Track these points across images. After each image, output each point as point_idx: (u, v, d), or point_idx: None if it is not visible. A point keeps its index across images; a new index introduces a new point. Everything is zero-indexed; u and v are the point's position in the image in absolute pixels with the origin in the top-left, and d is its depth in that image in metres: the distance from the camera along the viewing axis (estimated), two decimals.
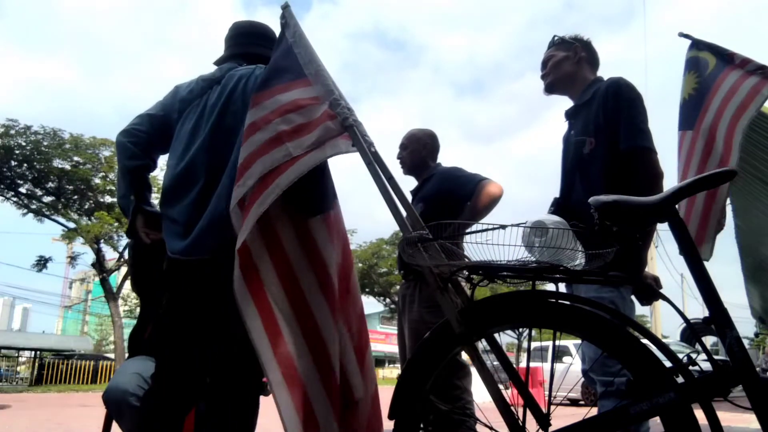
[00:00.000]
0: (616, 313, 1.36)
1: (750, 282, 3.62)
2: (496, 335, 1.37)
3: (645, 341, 1.21)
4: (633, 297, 1.86)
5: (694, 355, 1.24)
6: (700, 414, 1.12)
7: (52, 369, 20.17)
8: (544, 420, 1.23)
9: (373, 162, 1.55)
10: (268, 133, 1.56)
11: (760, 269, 3.49)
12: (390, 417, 1.31)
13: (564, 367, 7.84)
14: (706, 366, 1.19)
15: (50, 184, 16.22)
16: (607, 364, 1.73)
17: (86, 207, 16.93)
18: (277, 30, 1.89)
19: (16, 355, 26.57)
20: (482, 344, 1.37)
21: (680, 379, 1.16)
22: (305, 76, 1.69)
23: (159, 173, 9.91)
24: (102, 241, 16.82)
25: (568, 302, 1.30)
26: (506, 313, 1.32)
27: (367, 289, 23.87)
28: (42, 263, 17.26)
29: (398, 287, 8.59)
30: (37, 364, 22.22)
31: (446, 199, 2.59)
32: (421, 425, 1.32)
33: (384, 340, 36.50)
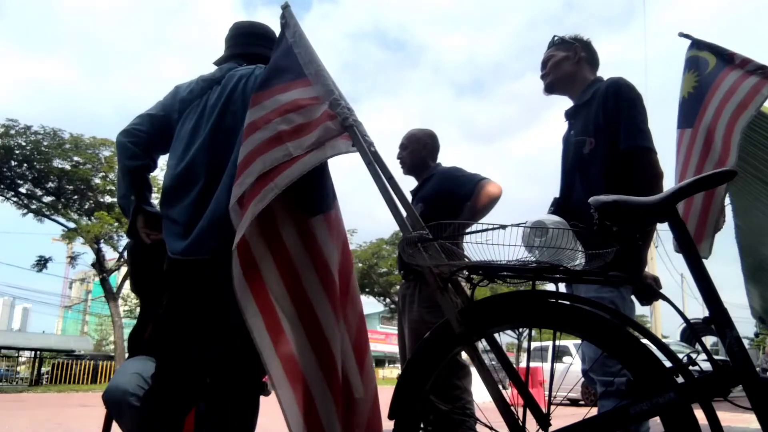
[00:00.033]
0: (616, 313, 1.36)
1: (750, 282, 3.63)
2: (496, 335, 1.37)
3: (645, 341, 1.21)
4: (633, 297, 1.86)
5: (694, 355, 1.24)
6: (700, 414, 1.12)
7: (53, 369, 20.16)
8: (544, 420, 1.23)
9: (373, 162, 1.54)
10: (268, 132, 1.56)
11: (760, 269, 3.50)
12: (390, 417, 1.31)
13: (564, 367, 7.83)
14: (706, 366, 1.19)
15: (50, 184, 16.24)
16: (607, 364, 1.73)
17: (86, 207, 16.95)
18: (277, 30, 1.89)
19: (16, 355, 26.57)
20: (482, 344, 1.37)
21: (680, 379, 1.16)
22: (305, 76, 1.69)
23: (159, 173, 9.91)
24: (102, 241, 16.84)
25: (568, 302, 1.30)
26: (506, 313, 1.32)
27: (367, 289, 23.86)
28: (42, 263, 17.28)
29: (398, 287, 8.59)
30: (36, 364, 22.23)
31: (446, 199, 2.59)
32: (421, 425, 1.32)
33: (384, 340, 36.49)
